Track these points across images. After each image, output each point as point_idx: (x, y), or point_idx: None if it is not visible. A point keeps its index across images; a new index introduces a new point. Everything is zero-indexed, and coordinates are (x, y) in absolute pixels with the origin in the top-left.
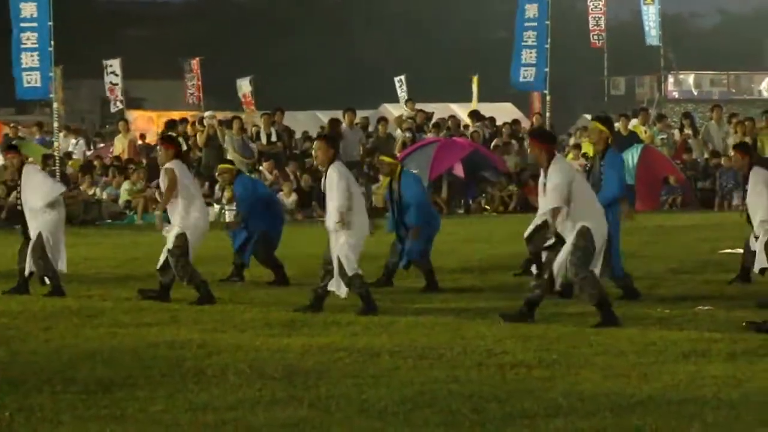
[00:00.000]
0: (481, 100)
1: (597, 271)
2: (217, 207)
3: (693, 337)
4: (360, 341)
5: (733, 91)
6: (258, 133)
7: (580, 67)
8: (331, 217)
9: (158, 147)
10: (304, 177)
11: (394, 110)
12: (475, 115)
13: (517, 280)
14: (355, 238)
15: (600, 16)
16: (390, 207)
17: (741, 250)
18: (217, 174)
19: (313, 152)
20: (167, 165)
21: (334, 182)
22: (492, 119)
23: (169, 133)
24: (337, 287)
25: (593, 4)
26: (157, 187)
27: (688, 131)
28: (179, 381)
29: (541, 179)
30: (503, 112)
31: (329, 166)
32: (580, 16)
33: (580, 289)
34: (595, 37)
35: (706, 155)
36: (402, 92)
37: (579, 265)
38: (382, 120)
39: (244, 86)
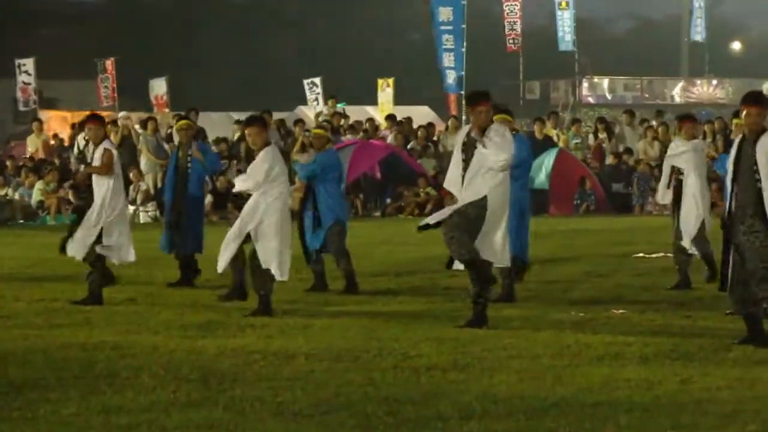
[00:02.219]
0: (396, 103)
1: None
2: (131, 208)
3: (607, 341)
4: (275, 344)
5: (647, 96)
6: (171, 134)
7: (496, 71)
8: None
9: (87, 126)
10: (219, 179)
11: (310, 112)
12: (391, 118)
13: (432, 283)
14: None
15: (516, 20)
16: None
17: (655, 255)
18: (176, 129)
19: (247, 138)
20: (105, 146)
21: (257, 162)
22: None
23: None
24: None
25: (509, 9)
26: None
27: (602, 135)
28: (92, 383)
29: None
30: (419, 115)
31: (262, 149)
32: (498, 20)
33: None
34: (511, 41)
35: (621, 159)
36: (312, 94)
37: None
38: (299, 122)
39: (158, 87)
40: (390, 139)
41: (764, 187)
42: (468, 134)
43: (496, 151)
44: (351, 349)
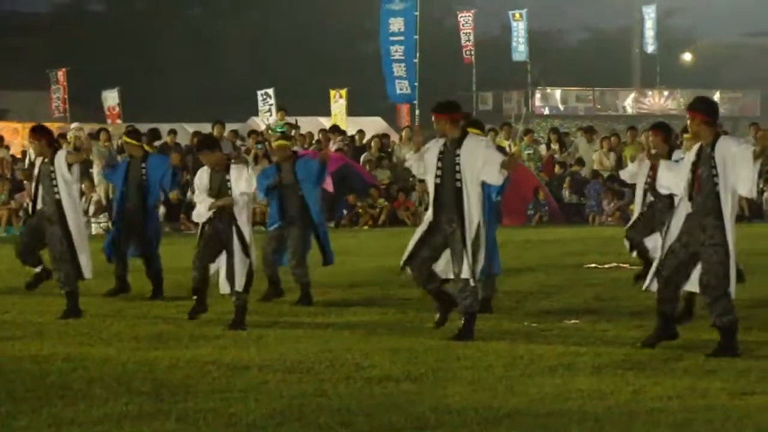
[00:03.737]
0: (350, 114)
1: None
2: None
3: (559, 351)
4: (228, 355)
5: (599, 107)
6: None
7: (449, 82)
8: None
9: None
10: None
11: (263, 123)
12: (335, 129)
13: (385, 294)
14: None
15: (469, 31)
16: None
17: (608, 265)
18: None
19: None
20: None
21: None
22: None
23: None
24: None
25: (463, 20)
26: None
27: (555, 146)
28: (43, 396)
29: None
30: (372, 125)
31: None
32: (451, 31)
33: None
34: (468, 52)
35: (573, 170)
36: (266, 105)
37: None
38: (253, 133)
39: (111, 98)
40: (333, 148)
41: (720, 187)
42: (445, 144)
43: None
44: (304, 360)
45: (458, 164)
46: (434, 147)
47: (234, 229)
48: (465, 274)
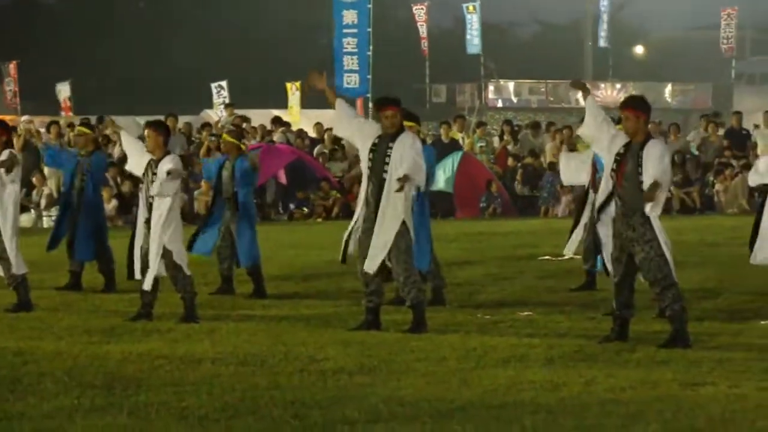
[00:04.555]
0: (305, 106)
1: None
2: (33, 213)
3: (512, 343)
4: (180, 348)
5: (552, 99)
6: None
7: (403, 74)
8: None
9: None
10: (125, 183)
11: (216, 116)
12: (277, 121)
13: (338, 286)
14: (178, 235)
15: (422, 24)
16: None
17: (560, 257)
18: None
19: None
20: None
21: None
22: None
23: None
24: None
25: (417, 12)
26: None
27: (508, 138)
28: None
29: None
30: (327, 118)
31: (164, 156)
32: (404, 23)
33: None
34: (422, 44)
35: (526, 162)
36: (220, 98)
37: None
38: (206, 126)
39: (64, 91)
40: (276, 138)
41: (645, 185)
42: (379, 137)
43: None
44: (257, 353)
45: (388, 157)
46: (370, 137)
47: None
48: (369, 269)
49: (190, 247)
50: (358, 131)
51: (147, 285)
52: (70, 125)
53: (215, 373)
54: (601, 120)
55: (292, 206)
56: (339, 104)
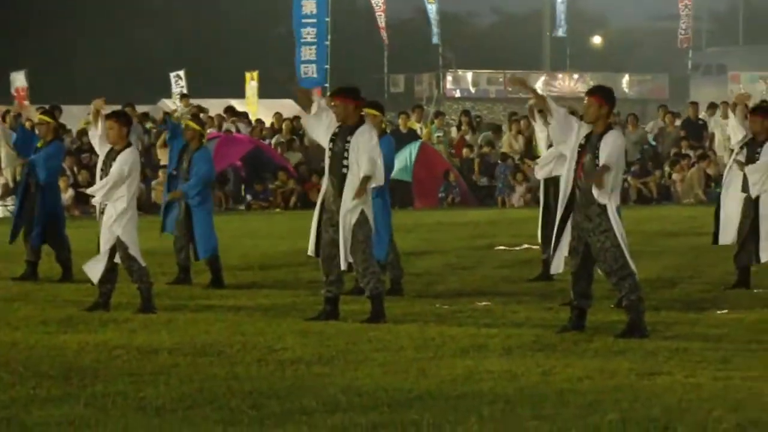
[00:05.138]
0: (262, 96)
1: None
2: None
3: (470, 333)
4: (138, 338)
5: (510, 89)
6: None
7: (362, 64)
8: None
9: None
10: (81, 173)
11: (173, 106)
12: (230, 110)
13: (297, 276)
14: (132, 226)
15: (381, 14)
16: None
17: (518, 247)
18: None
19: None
20: None
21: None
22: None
23: None
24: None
25: (375, 2)
26: None
27: (465, 128)
28: None
29: None
30: (285, 108)
31: (124, 148)
32: (363, 13)
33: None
34: (382, 34)
35: (483, 152)
36: (177, 87)
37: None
38: (165, 115)
39: (19, 80)
40: (224, 128)
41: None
42: (339, 128)
43: (367, 167)
44: (215, 343)
45: (347, 150)
46: (329, 128)
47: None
48: (342, 264)
49: (163, 228)
50: (319, 127)
51: (96, 275)
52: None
53: (172, 364)
54: (563, 114)
55: (249, 197)
56: (314, 108)
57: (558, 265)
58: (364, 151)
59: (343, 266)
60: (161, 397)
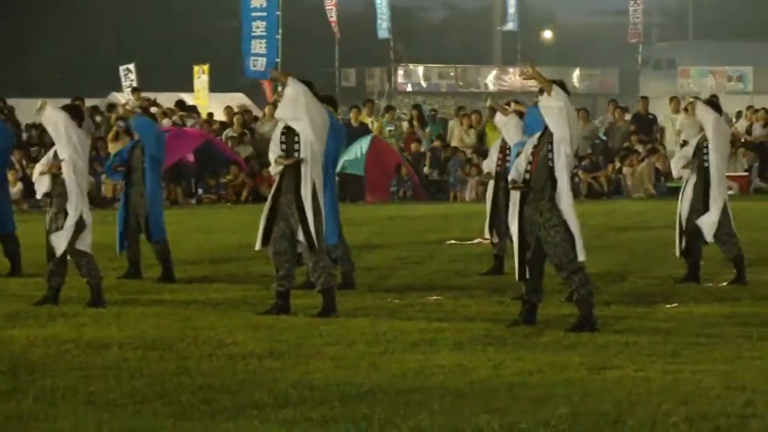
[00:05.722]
0: (212, 89)
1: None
2: None
3: (421, 327)
4: (88, 333)
5: (461, 84)
6: None
7: (313, 58)
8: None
9: None
10: (30, 166)
11: (123, 99)
12: (180, 104)
13: (248, 270)
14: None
15: (332, 8)
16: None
17: (469, 241)
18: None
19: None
20: None
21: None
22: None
23: None
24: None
25: None
26: None
27: (416, 123)
28: None
29: None
30: (235, 102)
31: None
32: (314, 7)
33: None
34: (332, 28)
35: (435, 146)
36: (128, 81)
37: None
38: (112, 108)
39: None
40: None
41: (556, 169)
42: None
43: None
44: (165, 337)
45: (298, 142)
46: (281, 123)
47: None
48: (318, 245)
49: (120, 247)
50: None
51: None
52: None
53: (123, 358)
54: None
55: (200, 191)
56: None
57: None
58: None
59: (319, 246)
60: (111, 392)
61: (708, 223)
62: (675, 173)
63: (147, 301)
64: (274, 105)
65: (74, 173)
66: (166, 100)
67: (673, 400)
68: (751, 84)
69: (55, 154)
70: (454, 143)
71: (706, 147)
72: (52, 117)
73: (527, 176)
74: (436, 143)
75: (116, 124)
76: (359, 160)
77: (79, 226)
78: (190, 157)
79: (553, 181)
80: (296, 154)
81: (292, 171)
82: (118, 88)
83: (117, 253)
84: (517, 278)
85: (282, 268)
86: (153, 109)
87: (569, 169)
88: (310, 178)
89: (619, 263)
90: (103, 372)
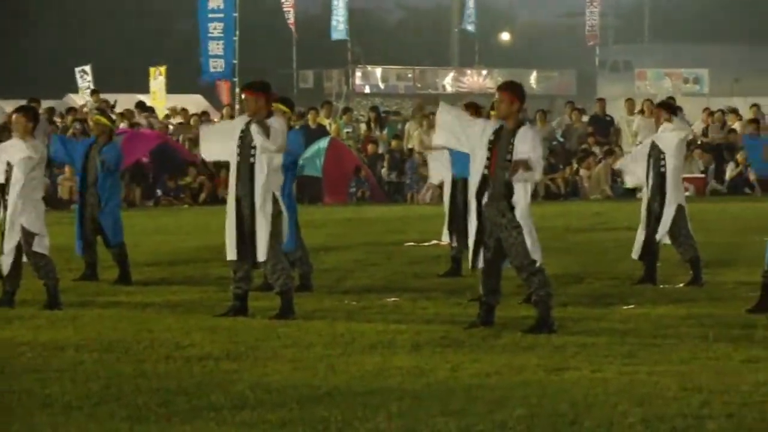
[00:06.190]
0: (170, 91)
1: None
2: None
3: (379, 329)
4: (44, 335)
5: (419, 85)
6: None
7: (271, 60)
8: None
9: None
10: None
11: (79, 100)
12: (140, 105)
13: (205, 272)
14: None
15: (289, 9)
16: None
17: (427, 243)
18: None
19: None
20: None
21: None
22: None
23: None
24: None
25: None
26: None
27: (374, 124)
28: None
29: None
30: (192, 103)
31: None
32: (271, 8)
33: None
34: (289, 29)
35: (393, 147)
36: (84, 82)
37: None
38: (71, 110)
39: None
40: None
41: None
42: (247, 123)
43: (273, 138)
44: (122, 339)
45: (254, 148)
46: (238, 124)
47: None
48: (260, 256)
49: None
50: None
51: (4, 269)
52: None
53: (79, 361)
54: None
55: (159, 192)
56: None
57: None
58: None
59: (262, 258)
60: (67, 395)
61: (661, 229)
62: (627, 180)
63: (104, 303)
64: (232, 107)
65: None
66: (123, 101)
67: (630, 401)
68: (707, 86)
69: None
70: (411, 145)
71: (663, 155)
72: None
73: (486, 175)
74: (394, 144)
75: (72, 126)
76: (317, 162)
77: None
78: (147, 159)
79: (511, 183)
80: (251, 159)
81: (247, 174)
82: (75, 89)
83: (78, 254)
84: (470, 266)
85: (240, 270)
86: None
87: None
88: (265, 181)
89: (576, 264)
90: (59, 374)
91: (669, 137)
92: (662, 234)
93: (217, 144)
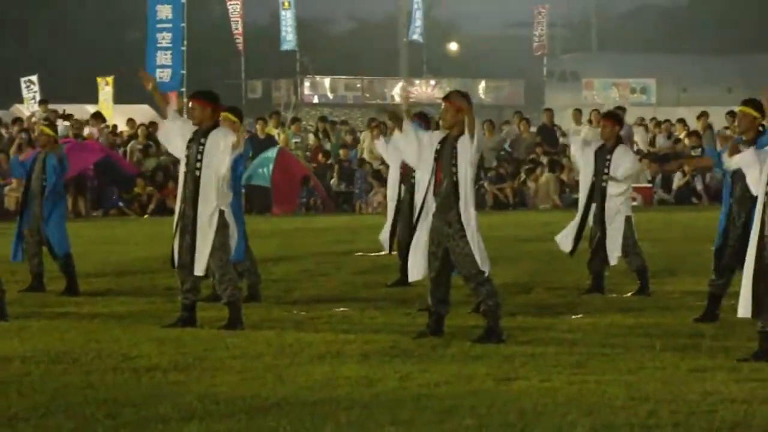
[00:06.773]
0: (118, 101)
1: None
2: None
3: (328, 339)
4: None
5: (368, 95)
6: None
7: (219, 70)
8: None
9: None
10: None
11: (26, 111)
12: (98, 116)
13: (153, 283)
14: None
15: (238, 19)
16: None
17: (376, 253)
18: None
19: None
20: None
21: None
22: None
23: None
24: None
25: (232, 8)
26: None
27: (322, 135)
28: None
29: None
30: (140, 113)
31: None
32: (219, 19)
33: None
34: (237, 40)
35: (341, 158)
36: (30, 93)
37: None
38: (17, 121)
39: None
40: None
41: (459, 178)
42: (194, 132)
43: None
44: (69, 351)
45: (201, 153)
46: (186, 134)
47: None
48: (198, 270)
49: (14, 256)
50: (173, 132)
51: None
52: None
53: (25, 372)
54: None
55: (112, 201)
56: (169, 114)
57: (418, 272)
58: (220, 145)
59: (199, 272)
60: (13, 407)
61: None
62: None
63: (50, 314)
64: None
65: None
66: (71, 112)
67: (579, 410)
68: (655, 96)
69: None
70: (363, 155)
71: (608, 168)
72: None
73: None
74: (342, 154)
75: (18, 136)
76: (266, 172)
77: None
78: (91, 170)
79: (458, 193)
80: (197, 172)
81: (192, 185)
82: (21, 99)
83: (11, 261)
84: (408, 278)
85: (187, 280)
86: (65, 123)
87: (473, 180)
88: (212, 192)
89: (524, 274)
90: (5, 386)
91: (624, 167)
92: (616, 258)
93: (177, 138)
